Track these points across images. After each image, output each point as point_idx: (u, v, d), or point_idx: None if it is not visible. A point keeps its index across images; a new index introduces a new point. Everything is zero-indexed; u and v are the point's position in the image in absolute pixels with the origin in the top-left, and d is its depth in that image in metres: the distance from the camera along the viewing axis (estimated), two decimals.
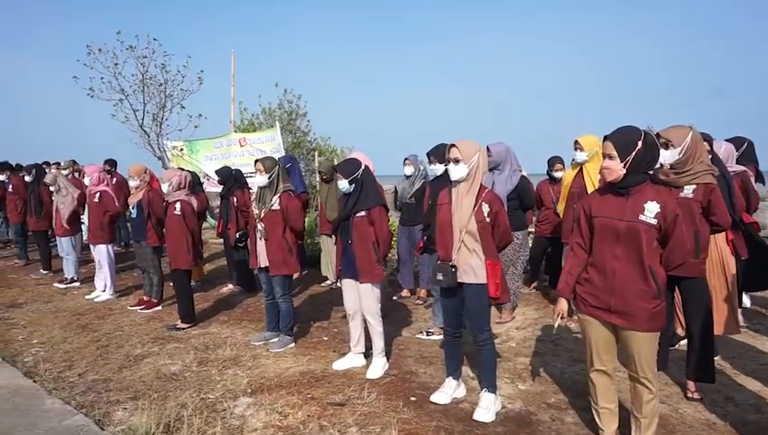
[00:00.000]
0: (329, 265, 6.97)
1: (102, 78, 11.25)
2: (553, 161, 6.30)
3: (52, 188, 7.54)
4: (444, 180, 4.55)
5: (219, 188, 9.23)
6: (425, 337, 4.91)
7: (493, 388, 3.42)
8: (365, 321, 4.18)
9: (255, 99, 13.49)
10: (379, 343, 4.09)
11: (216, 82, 13.15)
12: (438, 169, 4.58)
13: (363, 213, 3.94)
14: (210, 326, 5.45)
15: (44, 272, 8.24)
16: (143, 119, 12.03)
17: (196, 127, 12.44)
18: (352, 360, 4.25)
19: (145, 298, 6.26)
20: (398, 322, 5.43)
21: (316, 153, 12.12)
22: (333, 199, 6.66)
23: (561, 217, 5.25)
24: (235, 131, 11.43)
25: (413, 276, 6.48)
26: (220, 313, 5.95)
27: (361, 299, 4.06)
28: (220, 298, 6.62)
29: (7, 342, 5.19)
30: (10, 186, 8.87)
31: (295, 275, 4.99)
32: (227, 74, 11.36)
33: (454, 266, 3.33)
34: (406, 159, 6.15)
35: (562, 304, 2.93)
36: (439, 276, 3.37)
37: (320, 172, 6.84)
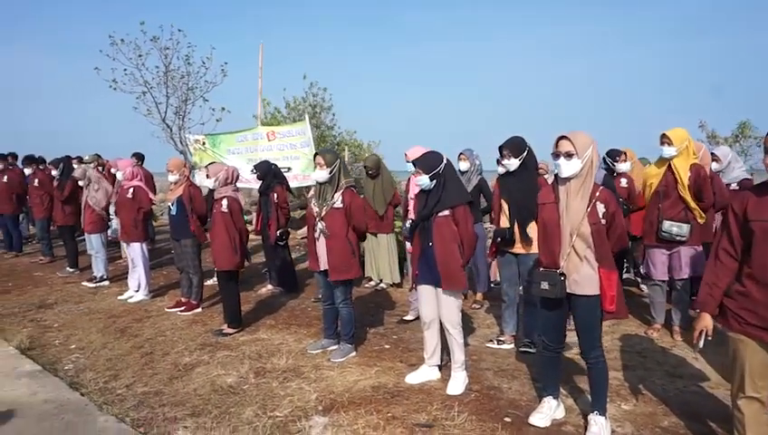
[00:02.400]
0: (372, 264, 6.62)
1: (125, 70, 10.91)
2: (616, 153, 5.83)
3: (81, 183, 7.22)
4: (519, 176, 4.19)
5: (250, 184, 8.96)
6: (495, 346, 4.54)
7: (603, 410, 3.04)
8: (442, 331, 3.81)
9: (279, 92, 13.09)
10: (459, 356, 3.71)
11: (241, 75, 12.81)
12: (513, 164, 4.20)
13: (447, 212, 3.56)
14: (258, 332, 5.09)
15: (71, 270, 7.91)
16: (165, 112, 11.69)
17: (218, 121, 12.09)
18: (427, 373, 3.87)
19: (183, 299, 5.92)
20: None
21: (346, 149, 11.78)
22: (380, 195, 6.31)
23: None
24: (261, 125, 11.08)
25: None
26: (265, 316, 5.59)
27: (441, 307, 3.68)
28: (260, 300, 6.26)
29: (44, 347, 4.86)
30: (36, 180, 8.55)
31: None
32: (253, 67, 11.01)
33: (562, 275, 2.95)
34: (461, 153, 5.75)
35: (706, 321, 2.55)
36: (544, 286, 2.99)
37: (365, 167, 6.47)
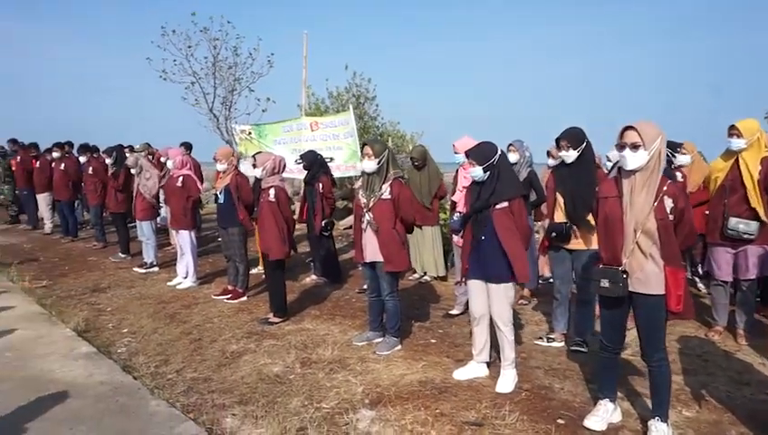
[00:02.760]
0: (417, 257, 6.54)
1: (175, 60, 11.13)
2: (676, 144, 5.52)
3: (133, 171, 7.40)
4: (576, 169, 4.02)
5: (293, 174, 9.01)
6: (545, 343, 4.40)
7: (665, 416, 2.89)
8: (491, 327, 3.70)
9: (322, 82, 13.13)
10: (509, 354, 3.60)
11: (285, 64, 12.89)
12: (571, 155, 4.03)
13: (505, 204, 3.44)
14: (303, 321, 5.10)
15: (123, 255, 8.15)
16: (213, 102, 11.89)
17: (264, 111, 12.21)
18: (475, 369, 3.78)
19: (229, 287, 6.00)
20: None
21: (390, 140, 11.70)
22: (426, 187, 6.21)
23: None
24: (305, 115, 11.12)
25: None
26: (310, 306, 5.60)
27: (492, 303, 3.58)
28: (305, 290, 6.28)
29: (99, 329, 5.00)
30: (90, 168, 8.83)
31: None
32: (297, 57, 11.03)
33: (625, 272, 2.80)
34: (510, 145, 5.58)
35: None
36: (605, 283, 2.85)
37: (412, 158, 6.38)
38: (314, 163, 6.29)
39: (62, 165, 9.57)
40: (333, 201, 6.42)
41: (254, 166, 6.24)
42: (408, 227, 4.32)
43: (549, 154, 5.82)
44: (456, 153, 4.74)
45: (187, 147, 9.49)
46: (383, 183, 4.16)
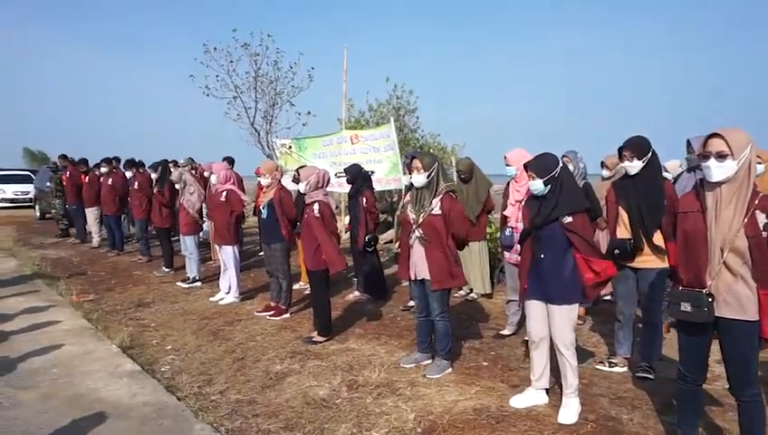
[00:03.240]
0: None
1: (217, 76, 11.29)
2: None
3: (177, 186, 7.44)
4: (641, 180, 3.75)
5: (334, 188, 8.92)
6: (607, 368, 4.10)
7: None
8: (550, 350, 3.45)
9: (362, 95, 13.10)
10: (572, 380, 3.33)
11: (325, 77, 12.92)
12: (635, 166, 3.75)
13: (569, 219, 3.20)
14: (348, 341, 4.94)
15: (166, 270, 8.20)
16: (254, 116, 11.99)
17: (304, 125, 12.24)
18: (534, 397, 3.52)
19: (272, 304, 5.89)
20: None
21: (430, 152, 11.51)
22: (473, 201, 5.98)
23: None
24: (345, 128, 11.07)
25: None
26: (354, 325, 5.43)
27: (554, 326, 3.32)
28: (347, 306, 6.12)
29: (143, 346, 4.96)
30: (136, 183, 8.96)
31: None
32: (338, 70, 11.03)
33: (710, 296, 2.52)
34: (564, 155, 5.30)
35: None
36: (686, 307, 2.58)
37: (458, 171, 6.18)
38: (358, 177, 6.17)
39: (110, 180, 9.77)
40: (377, 215, 6.27)
41: (297, 180, 6.19)
42: (460, 244, 4.11)
43: (603, 165, 5.53)
44: (507, 166, 4.51)
45: (230, 161, 9.53)
46: (433, 197, 3.98)
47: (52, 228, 13.31)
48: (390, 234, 10.37)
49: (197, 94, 11.76)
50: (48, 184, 13.14)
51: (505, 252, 4.73)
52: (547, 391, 3.57)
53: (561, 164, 3.28)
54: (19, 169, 24.73)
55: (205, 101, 11.95)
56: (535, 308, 3.42)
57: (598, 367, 4.15)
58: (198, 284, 7.38)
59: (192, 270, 7.43)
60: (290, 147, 11.44)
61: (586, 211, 3.28)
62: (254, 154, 12.61)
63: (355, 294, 6.47)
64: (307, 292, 6.82)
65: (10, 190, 20.31)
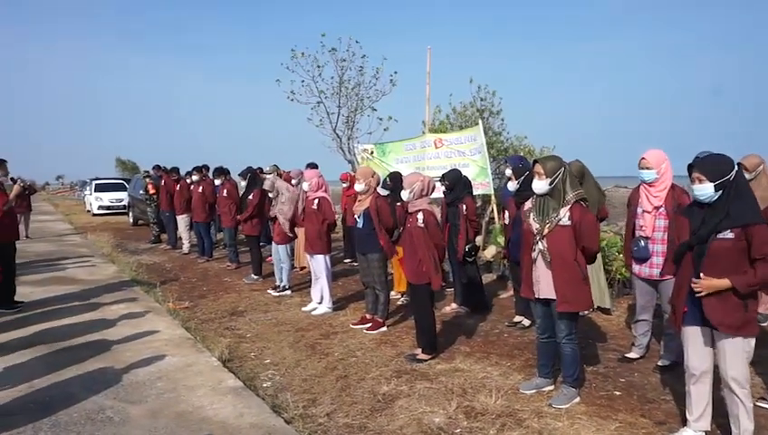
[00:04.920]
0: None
1: (303, 81, 11.28)
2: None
3: (270, 194, 7.38)
4: None
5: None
6: (765, 405, 3.49)
7: None
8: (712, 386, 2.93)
9: (445, 98, 12.73)
10: (747, 424, 2.81)
11: (406, 80, 12.67)
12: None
13: (731, 234, 2.69)
14: (455, 360, 4.58)
15: (255, 277, 8.19)
16: (337, 122, 11.90)
17: (385, 130, 12.02)
18: None
19: (368, 316, 5.64)
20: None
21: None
22: None
23: None
24: (429, 132, 10.75)
25: None
26: (457, 341, 5.07)
27: (724, 359, 2.81)
28: (446, 320, 5.76)
29: (241, 359, 4.83)
30: (224, 190, 9.06)
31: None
32: (420, 73, 10.73)
33: None
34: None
35: None
36: None
37: None
38: (458, 183, 5.81)
39: (200, 188, 9.96)
40: (478, 224, 5.88)
41: (387, 187, 5.92)
42: (591, 259, 3.65)
43: (741, 166, 4.87)
44: (645, 168, 3.97)
45: (313, 167, 9.46)
46: (561, 207, 3.54)
47: (144, 234, 13.90)
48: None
49: (280, 101, 11.82)
50: (141, 192, 13.72)
51: (635, 265, 4.20)
52: (706, 433, 3.05)
53: (736, 168, 2.76)
54: (114, 178, 26.29)
55: (287, 108, 12.01)
56: (696, 335, 2.91)
57: (759, 404, 3.54)
58: (288, 292, 7.29)
59: (282, 279, 7.34)
60: (372, 152, 11.26)
61: (763, 223, 2.73)
62: (335, 160, 12.54)
63: (452, 307, 6.10)
64: (400, 302, 6.55)
65: (106, 198, 21.59)
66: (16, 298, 6.60)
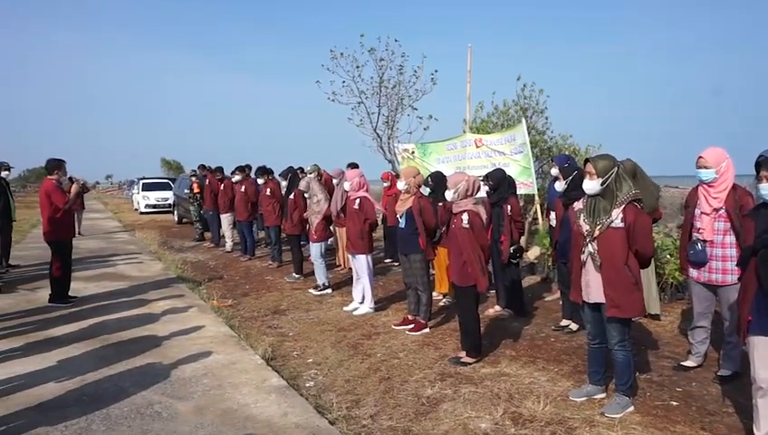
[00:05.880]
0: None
1: (344, 82, 11.34)
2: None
3: (306, 194, 7.43)
4: None
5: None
6: None
7: None
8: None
9: (487, 97, 12.57)
10: None
11: (446, 78, 12.55)
12: None
13: None
14: (500, 364, 4.48)
15: (296, 276, 8.25)
16: (377, 122, 11.91)
17: (425, 129, 11.96)
18: None
19: (410, 317, 5.58)
20: None
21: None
22: None
23: None
24: (471, 131, 10.62)
25: None
26: (502, 345, 4.96)
27: None
28: (489, 323, 5.65)
29: (284, 358, 4.85)
30: (267, 189, 9.17)
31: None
32: (460, 71, 10.60)
33: None
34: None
35: None
36: None
37: None
38: (503, 183, 5.68)
39: (243, 187, 10.12)
40: (523, 225, 5.74)
41: (429, 186, 5.84)
42: (645, 263, 3.49)
43: None
44: (703, 168, 3.78)
45: (354, 167, 9.47)
46: (613, 208, 3.40)
47: (189, 232, 14.24)
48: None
49: (320, 101, 11.94)
50: (186, 191, 14.06)
51: (692, 270, 4.01)
52: None
53: None
54: (160, 178, 27.09)
55: (327, 108, 12.11)
56: (764, 346, 2.75)
57: None
58: (329, 291, 7.31)
59: (320, 277, 7.37)
60: (413, 152, 11.22)
61: None
62: (375, 160, 12.56)
63: (496, 309, 5.98)
64: (442, 303, 6.47)
65: (153, 197, 22.26)
66: (70, 293, 6.85)
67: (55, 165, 6.61)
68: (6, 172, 9.02)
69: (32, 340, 5.20)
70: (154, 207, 22.04)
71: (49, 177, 6.63)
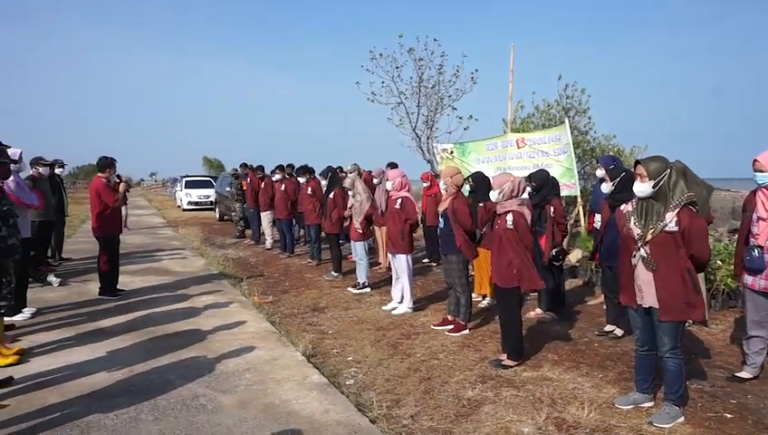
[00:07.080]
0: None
1: (383, 82, 11.37)
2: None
3: (350, 193, 7.47)
4: None
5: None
6: None
7: None
8: None
9: (527, 97, 12.41)
10: None
11: (487, 79, 12.43)
12: None
13: None
14: (542, 368, 4.40)
15: (335, 274, 8.31)
16: (416, 122, 11.89)
17: (465, 129, 11.88)
18: None
19: (449, 317, 5.55)
20: None
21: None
22: None
23: None
24: (511, 131, 10.48)
25: None
26: (544, 348, 4.87)
27: None
28: (531, 326, 5.56)
29: (324, 355, 4.89)
30: (309, 188, 9.26)
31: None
32: (502, 71, 10.47)
33: None
34: None
35: None
36: None
37: None
38: (546, 184, 5.59)
39: (283, 186, 10.26)
40: (566, 226, 5.63)
41: (471, 186, 5.78)
42: (701, 267, 3.37)
43: None
44: (759, 171, 3.63)
45: (393, 167, 9.48)
46: (667, 211, 3.29)
47: (229, 229, 14.53)
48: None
49: (359, 102, 12.01)
50: (228, 189, 14.35)
51: (747, 277, 3.85)
52: None
53: None
54: (202, 176, 27.74)
55: (367, 108, 12.17)
56: None
57: None
58: (368, 290, 7.33)
59: (361, 275, 7.40)
60: (452, 152, 11.16)
61: None
62: (414, 159, 12.55)
63: (537, 312, 5.88)
64: (482, 304, 6.41)
65: (195, 194, 22.82)
66: (118, 287, 7.08)
67: (107, 163, 6.84)
68: (60, 169, 9.41)
69: (82, 331, 5.40)
70: (196, 204, 22.58)
71: (99, 174, 6.86)
